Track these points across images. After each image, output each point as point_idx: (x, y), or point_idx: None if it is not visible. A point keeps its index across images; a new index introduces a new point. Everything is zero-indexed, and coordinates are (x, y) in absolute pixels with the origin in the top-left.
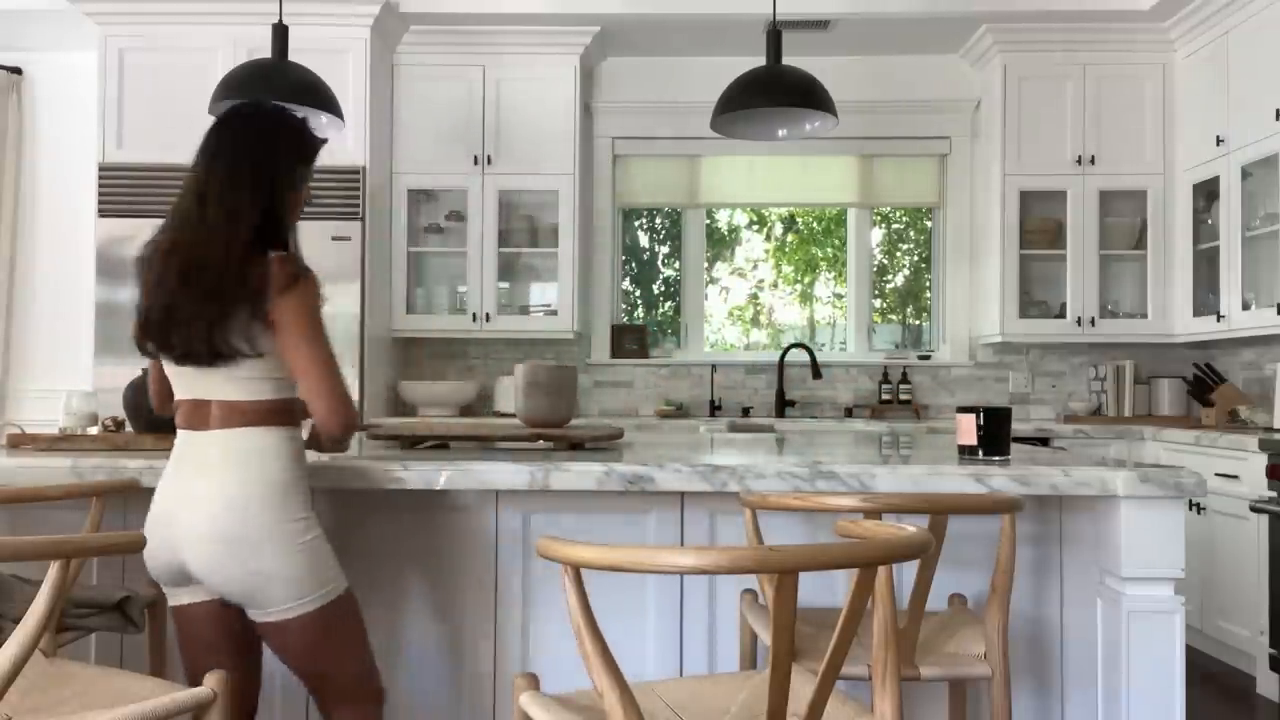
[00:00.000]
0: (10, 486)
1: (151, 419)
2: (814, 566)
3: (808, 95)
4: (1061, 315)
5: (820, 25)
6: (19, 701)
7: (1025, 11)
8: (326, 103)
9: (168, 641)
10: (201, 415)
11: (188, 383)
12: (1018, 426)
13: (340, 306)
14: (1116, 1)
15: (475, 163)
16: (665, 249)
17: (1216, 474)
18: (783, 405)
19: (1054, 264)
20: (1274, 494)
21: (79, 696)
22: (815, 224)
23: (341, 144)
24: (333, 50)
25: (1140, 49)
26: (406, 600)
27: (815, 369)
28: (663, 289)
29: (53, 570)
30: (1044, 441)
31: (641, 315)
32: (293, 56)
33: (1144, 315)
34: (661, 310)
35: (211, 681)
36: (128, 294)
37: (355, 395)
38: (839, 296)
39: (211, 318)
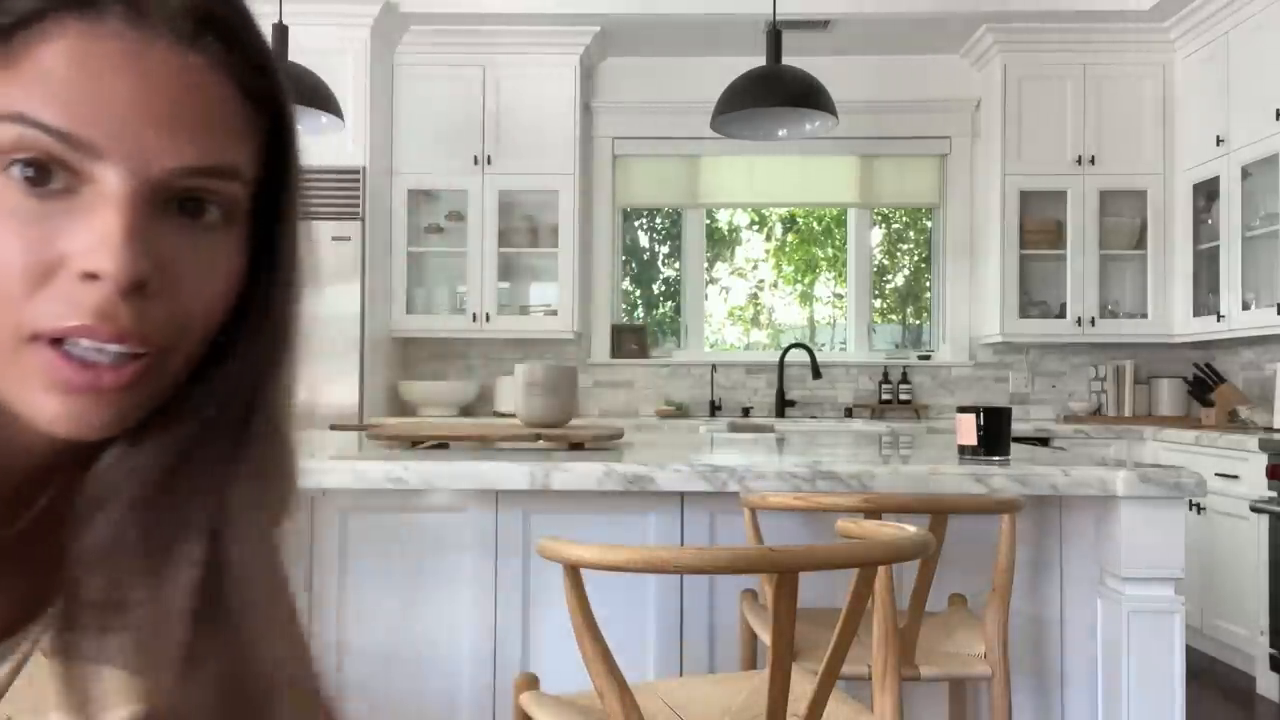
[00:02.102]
0: None
1: None
2: (814, 566)
3: (808, 95)
4: (1061, 315)
5: (820, 25)
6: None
7: (1025, 11)
8: (326, 103)
9: None
10: None
11: None
12: (1018, 426)
13: (340, 306)
14: (1116, 1)
15: (475, 163)
16: (665, 249)
17: (1216, 474)
18: (783, 405)
19: (1054, 264)
20: (1274, 494)
21: None
22: (815, 224)
23: (341, 144)
24: (333, 50)
25: (1140, 49)
26: (407, 600)
27: (815, 369)
28: (663, 289)
29: None
30: (1044, 441)
31: (641, 315)
32: (292, 56)
33: (1144, 315)
34: (661, 310)
35: None
36: None
37: (355, 395)
38: (839, 296)
39: None
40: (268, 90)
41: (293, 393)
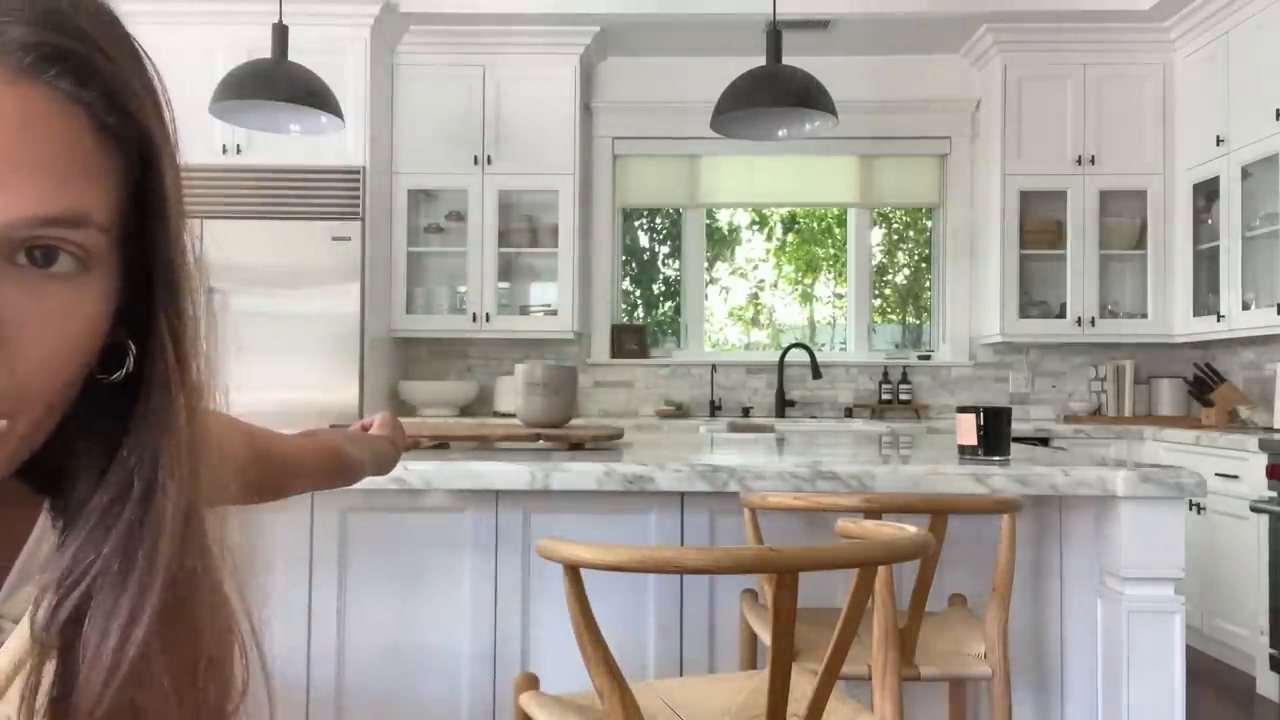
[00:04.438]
0: None
1: None
2: (814, 566)
3: (808, 95)
4: (1061, 315)
5: (820, 25)
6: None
7: (1025, 11)
8: (326, 103)
9: None
10: None
11: None
12: (1018, 426)
13: (340, 306)
14: (1116, 1)
15: (475, 163)
16: (665, 249)
17: (1216, 474)
18: (783, 405)
19: (1054, 264)
20: (1274, 494)
21: None
22: (815, 224)
23: (341, 144)
24: (333, 50)
25: (1140, 49)
26: (407, 600)
27: (815, 369)
28: (663, 289)
29: None
30: (1044, 441)
31: (641, 315)
32: (293, 56)
33: (1144, 315)
34: (661, 310)
35: None
36: None
37: (355, 395)
38: (839, 296)
39: None
40: (130, 123)
41: (195, 453)
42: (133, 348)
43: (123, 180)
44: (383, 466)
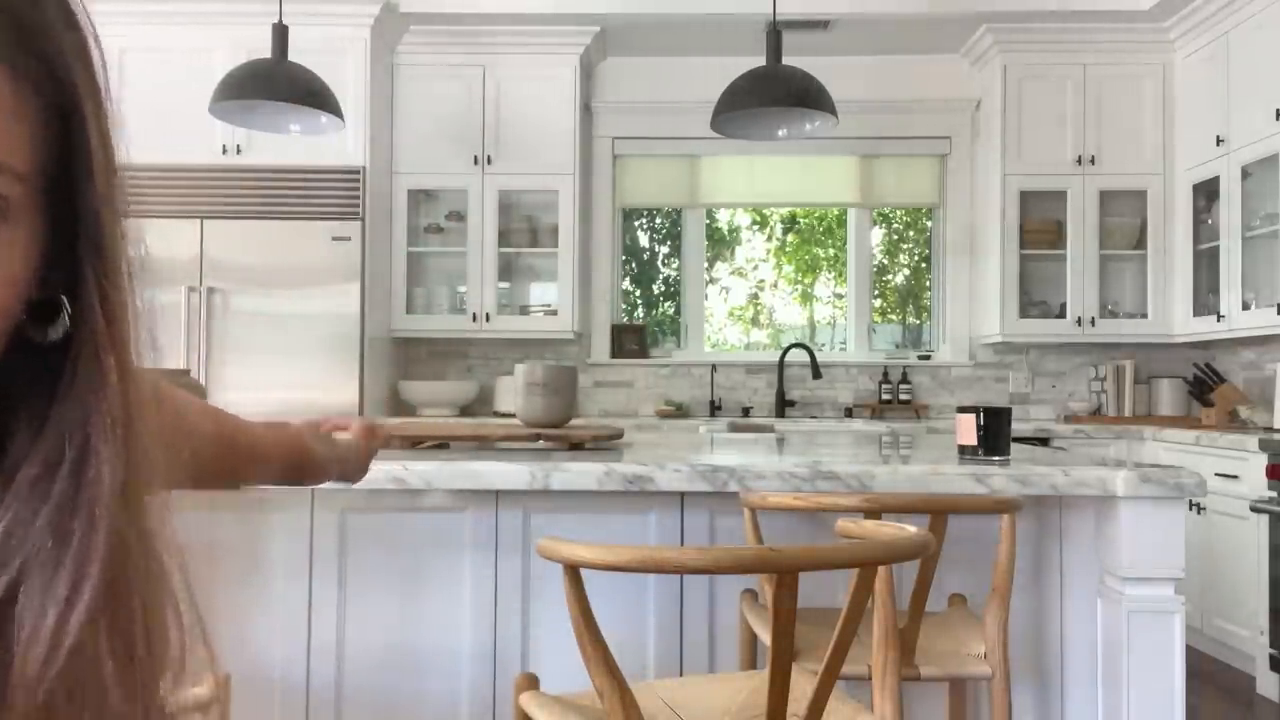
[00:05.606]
0: None
1: None
2: (814, 566)
3: (808, 95)
4: (1061, 315)
5: (820, 25)
6: None
7: (1025, 11)
8: (326, 103)
9: None
10: None
11: None
12: (1018, 426)
13: (340, 306)
14: (1116, 1)
15: (475, 163)
16: (665, 249)
17: (1216, 474)
18: (783, 405)
19: (1054, 264)
20: (1274, 494)
21: None
22: (816, 224)
23: (341, 144)
24: (333, 50)
25: (1140, 49)
26: (406, 600)
27: (815, 369)
28: (663, 289)
29: None
30: (1044, 441)
31: (641, 315)
32: (293, 56)
33: (1144, 315)
34: (661, 310)
35: (211, 682)
36: None
37: (355, 395)
38: (839, 296)
39: None
40: (50, 69)
41: (130, 419)
42: (68, 306)
43: (44, 129)
44: (349, 475)
